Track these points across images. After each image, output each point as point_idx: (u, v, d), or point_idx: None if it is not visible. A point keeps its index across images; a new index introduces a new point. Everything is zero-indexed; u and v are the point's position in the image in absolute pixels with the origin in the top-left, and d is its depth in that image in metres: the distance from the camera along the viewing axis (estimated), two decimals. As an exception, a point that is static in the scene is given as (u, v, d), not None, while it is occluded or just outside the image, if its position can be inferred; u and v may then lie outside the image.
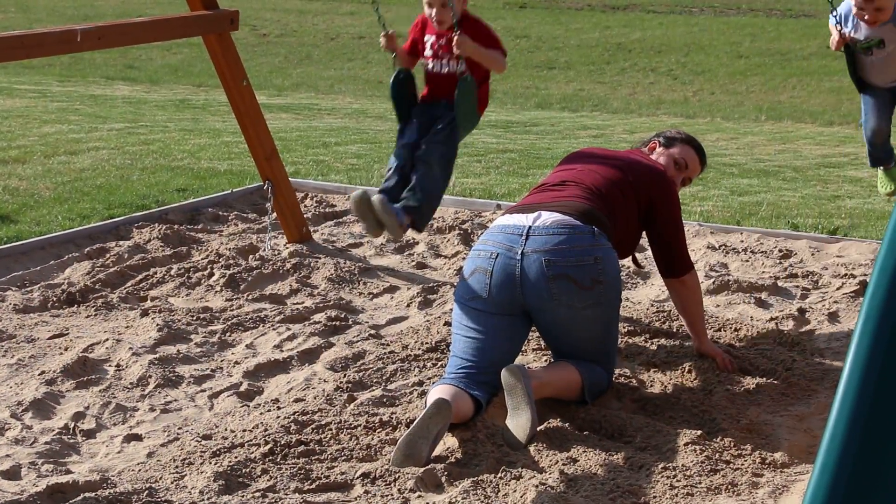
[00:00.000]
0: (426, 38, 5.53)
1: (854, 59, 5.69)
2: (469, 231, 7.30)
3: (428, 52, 5.52)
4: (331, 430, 4.43)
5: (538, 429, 4.41)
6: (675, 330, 5.53)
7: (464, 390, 4.45)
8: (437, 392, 4.41)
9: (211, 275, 6.40)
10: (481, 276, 4.64)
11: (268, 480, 4.08)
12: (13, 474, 4.19)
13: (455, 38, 5.29)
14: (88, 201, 8.11)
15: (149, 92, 15.96)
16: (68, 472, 4.24)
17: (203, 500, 3.95)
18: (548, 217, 4.68)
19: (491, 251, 4.66)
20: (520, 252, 4.60)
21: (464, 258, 6.79)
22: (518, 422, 4.33)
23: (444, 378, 4.59)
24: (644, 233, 5.15)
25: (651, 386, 4.94)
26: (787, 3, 26.63)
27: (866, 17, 5.51)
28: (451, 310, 5.85)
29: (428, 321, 5.77)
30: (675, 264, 5.10)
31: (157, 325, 5.63)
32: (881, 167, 6.26)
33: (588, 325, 4.64)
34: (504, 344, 4.64)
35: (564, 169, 5.15)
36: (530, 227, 4.66)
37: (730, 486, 4.09)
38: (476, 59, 5.37)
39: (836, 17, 5.65)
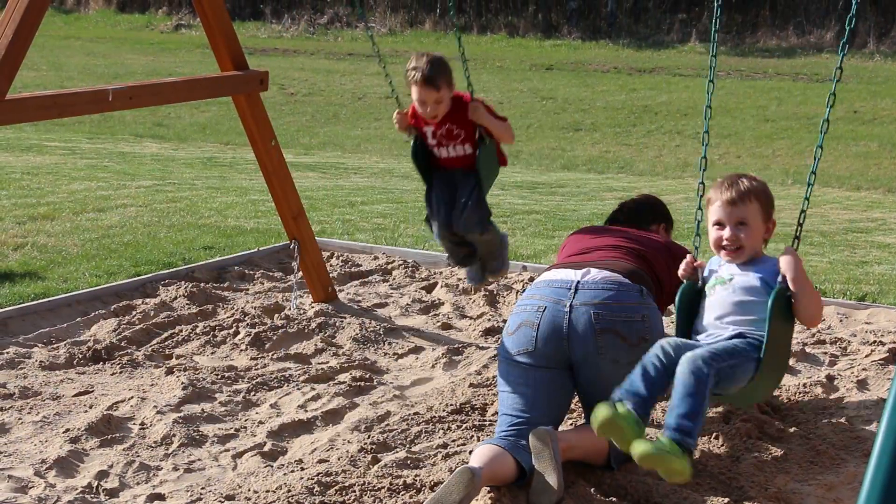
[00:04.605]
0: (425, 129, 5.53)
1: (689, 307, 4.44)
2: (494, 292, 7.29)
3: (431, 141, 5.54)
4: (354, 492, 4.41)
5: (563, 494, 4.37)
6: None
7: (510, 454, 4.42)
8: (479, 453, 4.38)
9: (236, 333, 6.40)
10: (528, 330, 4.65)
11: (290, 543, 4.04)
12: (35, 533, 4.17)
13: (469, 106, 5.38)
14: (116, 258, 8.15)
15: (177, 150, 16.08)
16: (90, 531, 4.21)
17: (225, 561, 3.92)
18: (597, 273, 4.75)
19: (538, 305, 4.68)
20: (568, 304, 4.63)
21: (489, 319, 6.78)
22: (544, 486, 4.29)
23: (494, 438, 4.56)
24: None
25: (678, 452, 4.89)
26: (814, 68, 26.68)
27: (726, 238, 4.35)
28: (476, 371, 5.85)
29: (453, 382, 5.74)
30: None
31: (182, 383, 5.62)
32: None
33: None
34: (554, 396, 4.64)
35: (598, 237, 5.16)
36: (579, 281, 4.71)
37: (758, 556, 4.03)
38: (488, 126, 5.43)
39: (696, 246, 4.61)
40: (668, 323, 6.59)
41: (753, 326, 4.21)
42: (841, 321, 6.83)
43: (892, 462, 2.13)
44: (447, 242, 5.72)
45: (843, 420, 5.28)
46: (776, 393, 5.52)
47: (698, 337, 4.33)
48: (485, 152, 5.47)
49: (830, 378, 5.83)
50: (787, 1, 31.68)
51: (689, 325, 4.42)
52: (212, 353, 6.21)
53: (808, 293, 4.17)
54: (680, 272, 4.45)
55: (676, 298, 4.35)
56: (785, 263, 4.17)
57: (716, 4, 4.73)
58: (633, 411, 4.06)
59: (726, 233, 4.22)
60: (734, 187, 4.22)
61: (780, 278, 4.19)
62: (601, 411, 4.05)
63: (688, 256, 4.43)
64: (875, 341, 6.35)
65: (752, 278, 4.22)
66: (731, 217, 4.23)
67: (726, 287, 4.25)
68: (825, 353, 6.25)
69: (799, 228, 4.23)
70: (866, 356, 6.16)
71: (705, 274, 4.43)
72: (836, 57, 29.23)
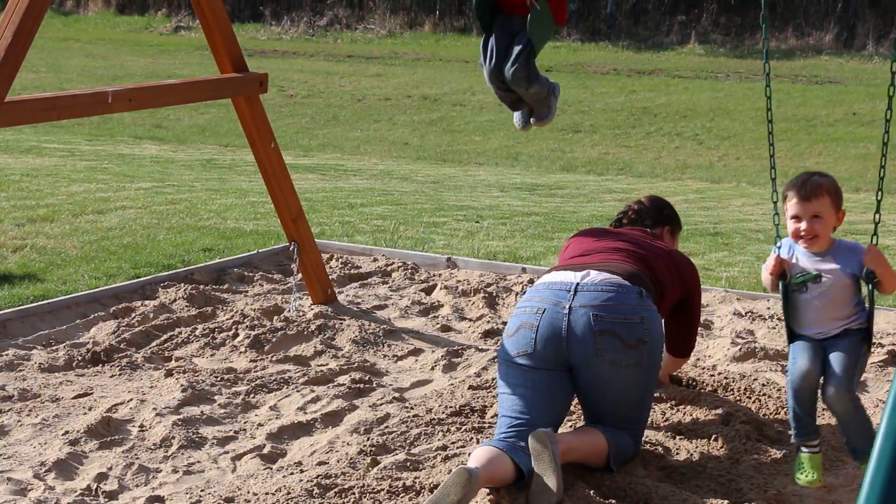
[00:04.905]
0: None
1: (788, 301, 4.79)
2: (494, 294, 7.29)
3: None
4: (354, 494, 4.41)
5: (563, 496, 4.37)
6: (701, 397, 5.49)
7: (508, 455, 4.42)
8: (478, 455, 4.38)
9: (235, 335, 6.40)
10: (527, 332, 4.66)
11: (290, 545, 4.04)
12: (35, 535, 4.17)
13: None
14: (115, 260, 8.15)
15: (176, 151, 16.08)
16: (90, 533, 4.21)
17: (224, 564, 3.92)
18: (596, 275, 4.76)
19: (537, 307, 4.69)
20: (567, 306, 4.64)
21: (488, 321, 6.79)
22: (543, 488, 4.29)
23: (493, 440, 4.56)
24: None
25: (677, 454, 4.90)
26: (813, 70, 26.69)
27: (803, 229, 4.70)
28: (476, 374, 5.85)
29: (452, 385, 5.74)
30: (688, 348, 5.38)
31: (181, 385, 5.62)
32: (803, 446, 4.71)
33: (627, 385, 4.65)
34: (553, 398, 4.64)
35: (600, 240, 5.17)
36: (578, 283, 4.71)
37: (757, 558, 4.03)
38: None
39: (778, 246, 4.86)
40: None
41: (852, 317, 4.66)
42: (840, 323, 6.82)
43: (891, 464, 2.13)
44: (495, 89, 5.92)
45: (842, 422, 5.28)
46: (775, 394, 5.52)
47: (809, 331, 4.68)
48: (536, 16, 5.68)
49: (830, 380, 5.82)
50: (787, 3, 31.69)
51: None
52: (211, 356, 6.21)
53: (892, 277, 4.64)
54: (769, 271, 4.70)
55: (782, 300, 4.72)
56: (873, 260, 4.60)
57: (764, 38, 4.95)
58: (811, 455, 4.55)
59: (803, 225, 4.69)
60: (807, 185, 4.69)
61: (864, 271, 4.62)
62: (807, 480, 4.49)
63: (772, 256, 4.70)
64: (874, 343, 6.34)
65: (839, 275, 4.69)
66: (807, 212, 4.67)
67: (819, 285, 4.70)
68: (824, 354, 6.25)
69: (875, 227, 4.64)
70: (865, 358, 6.15)
71: (790, 262, 4.80)
72: (834, 59, 29.00)
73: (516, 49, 5.73)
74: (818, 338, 4.64)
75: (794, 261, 4.73)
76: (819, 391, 4.54)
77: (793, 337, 4.72)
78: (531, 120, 6.05)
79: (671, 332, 5.32)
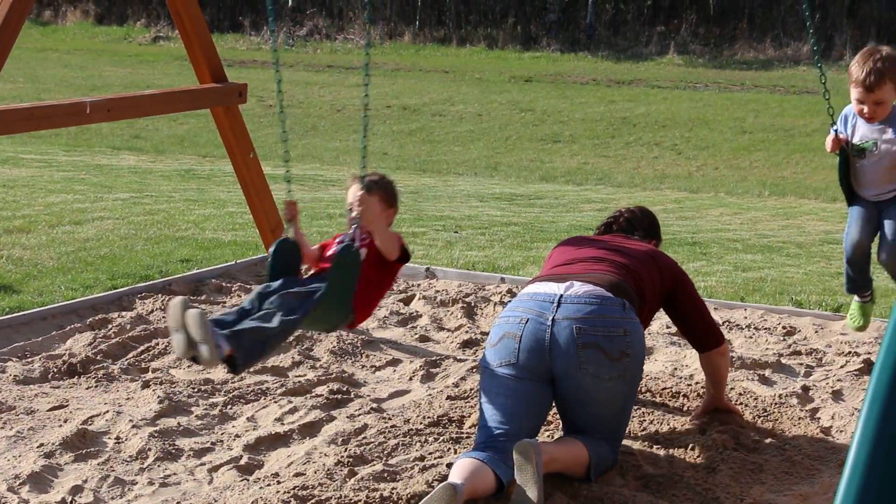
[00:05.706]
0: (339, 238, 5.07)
1: (847, 165, 5.47)
2: (473, 304, 7.29)
3: (338, 241, 5.09)
4: (331, 505, 4.39)
5: (540, 506, 4.37)
6: (678, 406, 5.50)
7: (489, 466, 4.41)
8: (460, 467, 4.37)
9: (213, 346, 6.37)
10: (510, 342, 4.65)
11: (266, 557, 4.02)
12: (9, 548, 4.14)
13: (360, 194, 4.88)
14: (92, 271, 8.11)
15: (154, 162, 16.04)
16: (65, 546, 4.19)
17: (200, 576, 3.89)
18: (580, 287, 4.73)
19: (521, 317, 4.68)
20: (550, 318, 4.62)
21: (467, 331, 6.78)
22: (524, 499, 4.29)
23: (474, 450, 4.55)
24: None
25: (654, 463, 4.90)
26: (791, 80, 26.82)
27: (865, 111, 5.33)
28: (454, 384, 5.85)
29: (430, 395, 5.74)
30: (713, 335, 5.25)
31: (158, 396, 5.60)
32: (856, 296, 5.85)
33: (609, 398, 4.64)
34: (533, 408, 4.64)
35: (583, 248, 5.16)
36: (562, 295, 4.70)
37: (734, 567, 4.04)
38: (373, 228, 4.92)
39: (835, 121, 5.49)
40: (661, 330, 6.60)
41: None
42: (816, 332, 6.86)
43: (866, 472, 2.14)
44: (246, 304, 4.72)
45: (818, 431, 5.30)
46: (752, 403, 5.54)
47: (866, 193, 5.36)
48: (345, 259, 4.75)
49: (806, 389, 5.85)
50: (765, 14, 31.86)
51: (850, 183, 5.51)
52: (188, 367, 6.18)
53: None
54: (829, 148, 5.32)
55: (839, 169, 5.37)
56: None
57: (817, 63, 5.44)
58: (863, 304, 5.82)
59: (866, 108, 5.30)
60: (871, 75, 5.24)
61: None
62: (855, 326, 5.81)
63: (831, 134, 5.33)
64: (850, 352, 6.38)
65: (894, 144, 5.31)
66: (869, 99, 5.26)
67: (874, 153, 5.32)
68: (801, 363, 6.28)
69: None
70: (841, 367, 6.18)
71: (847, 130, 5.45)
72: (812, 70, 29.31)
73: (303, 288, 4.72)
74: (873, 199, 5.27)
75: (855, 128, 5.33)
76: (876, 253, 5.33)
77: (851, 198, 5.38)
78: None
79: (686, 329, 5.26)
